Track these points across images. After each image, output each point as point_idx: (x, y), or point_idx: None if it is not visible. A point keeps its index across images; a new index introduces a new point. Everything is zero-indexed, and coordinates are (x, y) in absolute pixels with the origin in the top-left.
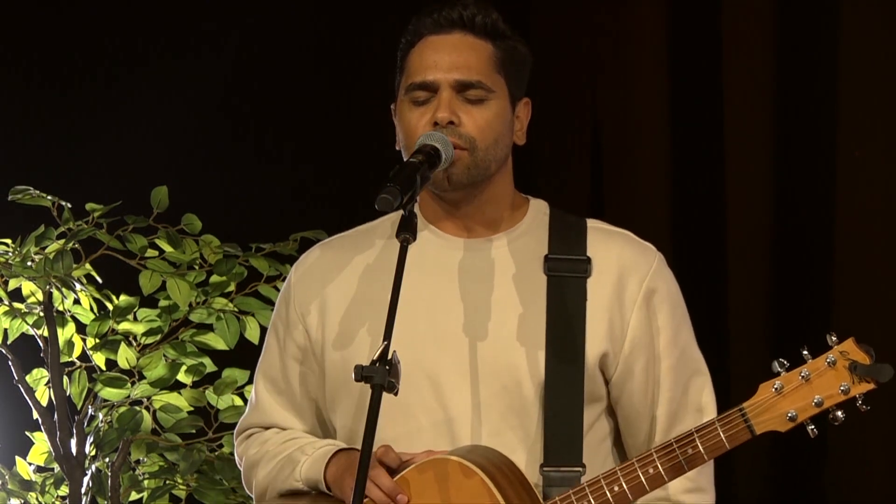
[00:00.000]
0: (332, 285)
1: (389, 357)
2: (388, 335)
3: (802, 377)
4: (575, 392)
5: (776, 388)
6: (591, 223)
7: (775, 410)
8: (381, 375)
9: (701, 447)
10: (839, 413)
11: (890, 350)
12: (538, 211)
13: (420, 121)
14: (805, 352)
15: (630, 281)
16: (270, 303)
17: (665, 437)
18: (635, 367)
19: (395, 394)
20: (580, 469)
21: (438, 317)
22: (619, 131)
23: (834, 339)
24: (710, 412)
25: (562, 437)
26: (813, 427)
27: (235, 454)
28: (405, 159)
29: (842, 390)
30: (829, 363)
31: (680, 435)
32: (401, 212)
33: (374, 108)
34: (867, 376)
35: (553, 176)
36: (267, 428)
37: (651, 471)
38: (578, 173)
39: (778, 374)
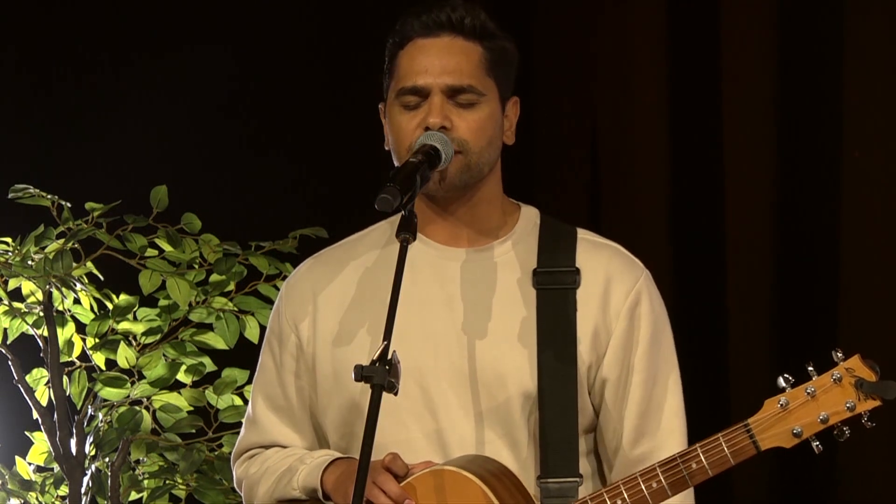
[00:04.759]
0: (325, 293)
1: (389, 357)
2: (387, 335)
3: (808, 393)
4: (568, 402)
5: (782, 404)
6: (581, 233)
7: (780, 426)
8: (380, 375)
9: (705, 462)
10: (845, 429)
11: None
12: (529, 219)
13: (410, 125)
14: (810, 368)
15: (616, 292)
16: (270, 302)
17: (631, 452)
18: (611, 376)
19: (395, 394)
20: (577, 479)
21: (431, 327)
22: (618, 135)
23: (840, 355)
24: (676, 435)
25: (557, 448)
26: (818, 443)
27: (234, 476)
28: (395, 162)
29: (847, 407)
30: (834, 380)
31: (684, 450)
32: (391, 220)
33: (373, 107)
34: (873, 394)
35: (551, 179)
36: (267, 447)
37: (654, 485)
38: (577, 177)
39: (783, 389)
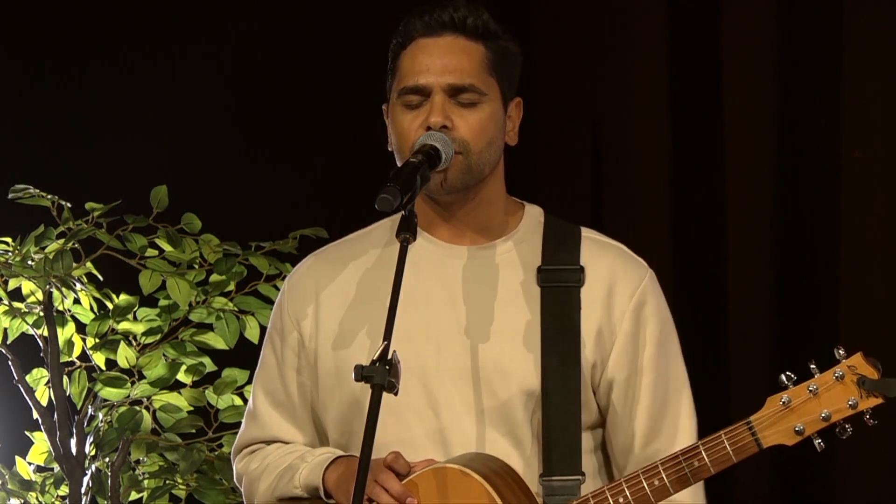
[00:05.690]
0: (327, 290)
1: (389, 357)
2: (388, 335)
3: (810, 391)
4: (572, 400)
5: (784, 402)
6: (586, 232)
7: (783, 424)
8: (381, 375)
9: (707, 460)
10: (847, 427)
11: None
12: (533, 218)
13: (412, 124)
14: (813, 365)
15: (620, 292)
16: (270, 302)
17: (642, 452)
18: (618, 377)
19: (395, 393)
20: (580, 478)
21: (434, 325)
22: (619, 135)
23: (842, 352)
24: (687, 434)
25: (560, 446)
26: (820, 441)
27: (235, 471)
28: (397, 162)
29: (850, 405)
30: (836, 377)
31: (686, 447)
32: (393, 219)
33: (374, 107)
34: (875, 391)
35: (553, 179)
36: (269, 443)
37: (657, 482)
38: (578, 176)
39: (785, 387)
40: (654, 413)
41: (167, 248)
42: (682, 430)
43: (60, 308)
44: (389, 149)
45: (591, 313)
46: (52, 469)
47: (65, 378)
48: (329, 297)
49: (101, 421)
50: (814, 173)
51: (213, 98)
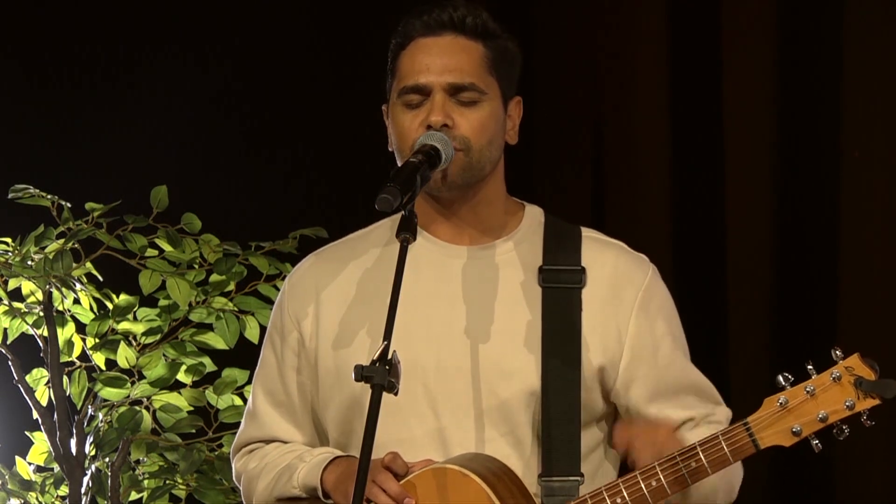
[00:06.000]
0: (327, 290)
1: (389, 357)
2: (388, 335)
3: (807, 392)
4: (571, 402)
5: (781, 403)
6: (586, 232)
7: (780, 425)
8: (380, 375)
9: (704, 461)
10: (844, 428)
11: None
12: (533, 218)
13: (413, 124)
14: (810, 366)
15: (626, 291)
16: (270, 302)
17: (692, 435)
18: (637, 374)
19: (396, 394)
20: (579, 478)
21: (434, 324)
22: (619, 135)
23: (839, 353)
24: (723, 404)
25: (559, 447)
26: (817, 442)
27: (234, 470)
28: (398, 162)
29: (847, 406)
30: (834, 378)
31: (683, 448)
32: (394, 219)
33: (374, 107)
34: (872, 392)
35: (554, 179)
36: (268, 442)
37: (654, 483)
38: (579, 177)
39: (783, 388)
40: (697, 399)
41: (167, 248)
42: (722, 404)
43: (60, 308)
44: (390, 149)
45: (594, 315)
46: (52, 469)
47: (65, 378)
48: (329, 296)
49: (101, 421)
50: (814, 173)
51: (213, 98)
